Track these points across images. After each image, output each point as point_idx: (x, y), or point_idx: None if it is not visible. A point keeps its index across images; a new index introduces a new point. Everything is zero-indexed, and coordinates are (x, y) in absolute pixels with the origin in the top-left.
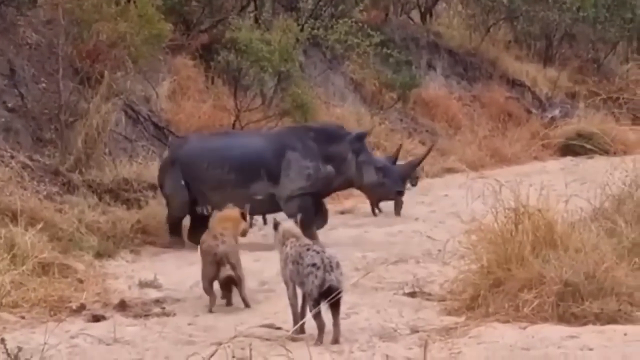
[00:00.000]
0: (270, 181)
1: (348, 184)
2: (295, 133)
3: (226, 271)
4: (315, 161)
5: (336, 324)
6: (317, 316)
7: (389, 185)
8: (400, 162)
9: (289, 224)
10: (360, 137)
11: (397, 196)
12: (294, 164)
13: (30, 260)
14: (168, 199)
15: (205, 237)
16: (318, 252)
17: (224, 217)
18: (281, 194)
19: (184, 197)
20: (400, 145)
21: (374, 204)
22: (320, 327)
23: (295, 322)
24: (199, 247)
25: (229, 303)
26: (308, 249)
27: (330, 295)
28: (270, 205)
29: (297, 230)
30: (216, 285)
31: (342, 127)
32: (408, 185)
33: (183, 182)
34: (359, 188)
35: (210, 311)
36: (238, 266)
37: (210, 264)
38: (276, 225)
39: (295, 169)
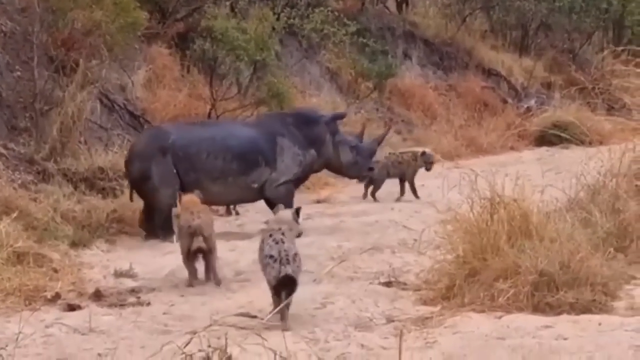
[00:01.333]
0: (267, 167)
1: (325, 165)
2: (277, 120)
3: (198, 242)
4: (303, 147)
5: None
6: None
7: (362, 164)
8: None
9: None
10: (337, 118)
11: (368, 173)
12: (286, 150)
13: (5, 250)
14: (157, 190)
15: (182, 213)
16: (277, 243)
17: (195, 201)
18: (277, 181)
19: (176, 186)
20: (365, 125)
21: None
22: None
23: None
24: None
25: (195, 277)
26: (270, 236)
27: (287, 286)
28: (259, 194)
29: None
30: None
31: (315, 110)
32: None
33: (175, 171)
34: (335, 168)
35: (191, 285)
36: (210, 239)
37: (185, 236)
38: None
39: (289, 155)
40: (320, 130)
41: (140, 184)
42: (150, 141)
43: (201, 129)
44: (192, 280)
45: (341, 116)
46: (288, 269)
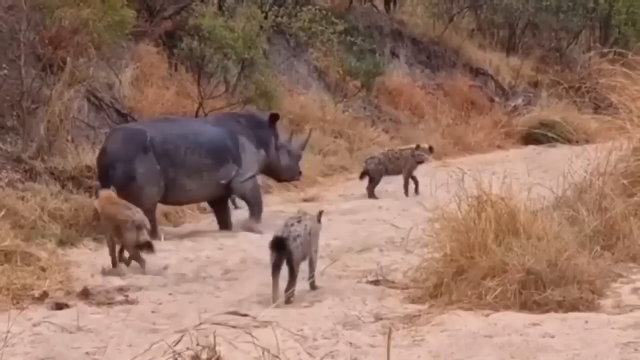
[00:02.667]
0: (234, 164)
1: (267, 167)
2: (234, 120)
3: (144, 236)
4: (256, 147)
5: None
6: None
7: (294, 167)
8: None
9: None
10: (275, 119)
11: (299, 177)
12: (247, 148)
13: None
14: (142, 189)
15: (116, 209)
16: (286, 225)
17: (114, 196)
18: (242, 177)
19: (161, 183)
20: (293, 131)
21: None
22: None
23: None
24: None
25: (144, 265)
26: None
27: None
28: (226, 191)
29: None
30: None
31: (262, 113)
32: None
33: (158, 167)
34: (274, 171)
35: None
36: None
37: (130, 230)
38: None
39: (250, 154)
40: (267, 132)
41: (124, 184)
42: (129, 141)
43: (172, 125)
44: (144, 267)
45: (277, 116)
46: (282, 234)
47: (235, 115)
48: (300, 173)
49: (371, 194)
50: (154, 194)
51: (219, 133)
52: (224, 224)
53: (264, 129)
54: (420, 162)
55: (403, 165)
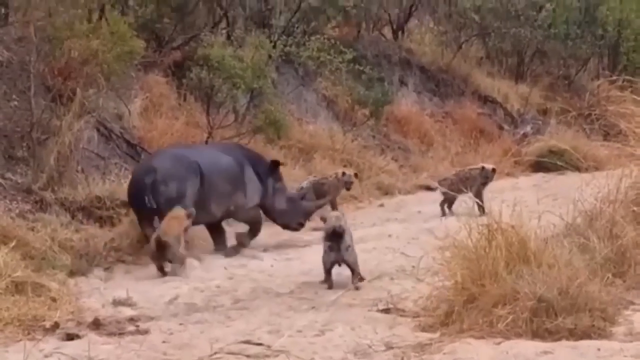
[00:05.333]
0: (241, 192)
1: (262, 205)
2: (239, 150)
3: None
4: (258, 178)
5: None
6: None
7: (292, 217)
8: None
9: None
10: (276, 164)
11: (297, 227)
12: (252, 178)
13: (3, 279)
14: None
15: None
16: None
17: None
18: (247, 205)
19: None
20: (309, 187)
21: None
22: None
23: None
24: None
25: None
26: None
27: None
28: (228, 216)
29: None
30: None
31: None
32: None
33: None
34: (267, 211)
35: None
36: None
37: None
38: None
39: (253, 184)
40: (266, 171)
41: (172, 203)
42: (181, 163)
43: (195, 152)
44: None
45: (278, 163)
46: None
47: (240, 147)
48: (300, 224)
49: (447, 209)
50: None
51: (230, 160)
52: (220, 245)
53: (263, 166)
54: (485, 183)
55: (471, 185)
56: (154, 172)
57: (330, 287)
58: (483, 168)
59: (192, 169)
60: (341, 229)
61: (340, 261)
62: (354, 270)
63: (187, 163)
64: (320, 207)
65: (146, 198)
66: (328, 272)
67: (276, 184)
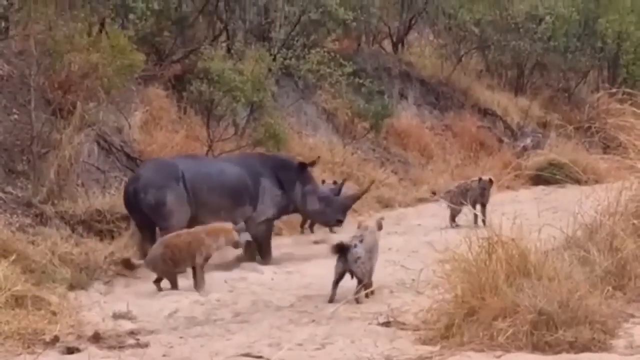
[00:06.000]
0: (250, 206)
1: (294, 210)
2: (258, 160)
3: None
4: (281, 189)
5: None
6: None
7: (330, 215)
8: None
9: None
10: (305, 166)
11: (337, 224)
12: (267, 191)
13: (3, 293)
14: (172, 214)
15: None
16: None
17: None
18: (256, 219)
19: (188, 212)
20: (344, 180)
21: (310, 225)
22: None
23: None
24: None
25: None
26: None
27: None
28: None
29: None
30: None
31: (291, 156)
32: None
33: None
34: (304, 214)
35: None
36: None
37: None
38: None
39: (269, 196)
40: (292, 176)
41: (154, 211)
42: (161, 171)
43: (199, 164)
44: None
45: (304, 165)
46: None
47: (261, 156)
48: (339, 221)
49: (452, 223)
50: (181, 221)
51: (241, 173)
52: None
53: (289, 171)
54: (482, 194)
55: (471, 196)
56: (137, 180)
57: (331, 300)
58: (480, 179)
59: (171, 177)
60: (346, 244)
61: (348, 272)
62: (360, 281)
63: (168, 171)
64: (356, 200)
65: (130, 204)
66: (335, 282)
67: (305, 186)
